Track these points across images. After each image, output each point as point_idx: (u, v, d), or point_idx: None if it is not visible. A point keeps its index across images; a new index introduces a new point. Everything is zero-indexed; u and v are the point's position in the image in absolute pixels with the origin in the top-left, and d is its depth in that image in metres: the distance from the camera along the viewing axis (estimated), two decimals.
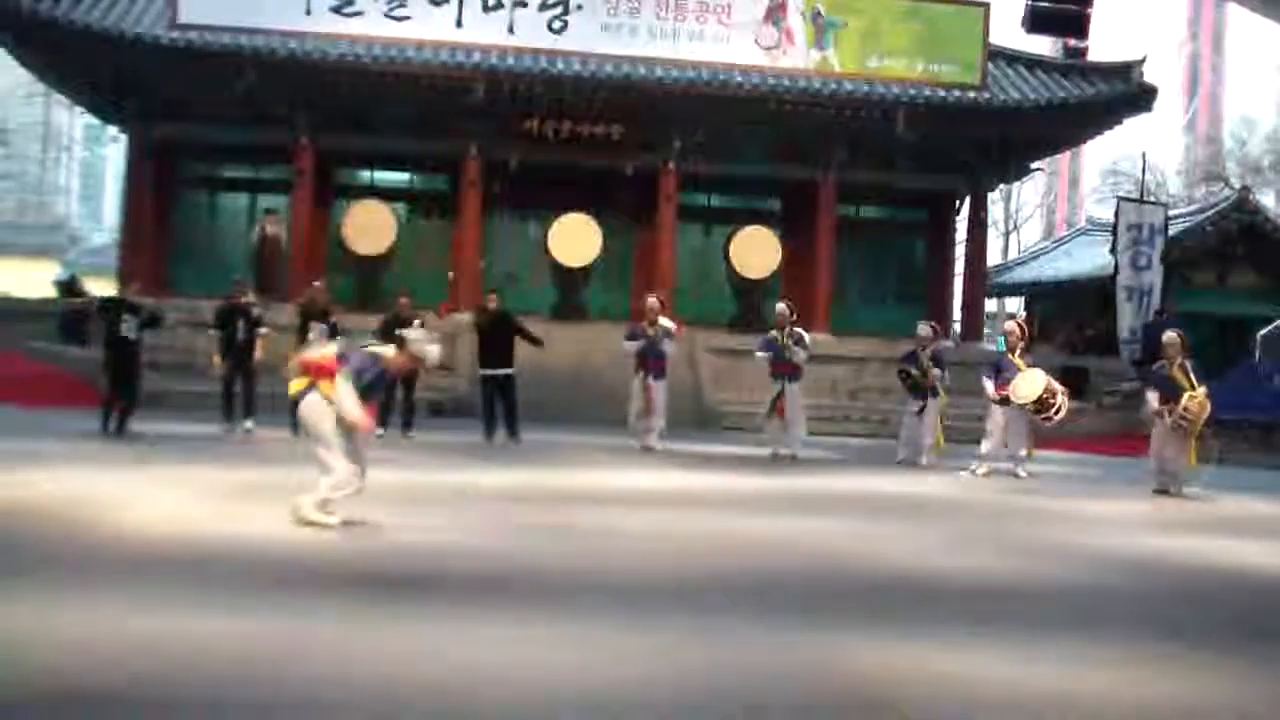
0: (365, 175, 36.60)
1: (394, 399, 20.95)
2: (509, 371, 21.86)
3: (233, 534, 10.44)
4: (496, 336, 21.98)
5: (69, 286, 35.51)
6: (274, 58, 31.27)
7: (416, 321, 21.10)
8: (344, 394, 10.78)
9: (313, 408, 11.13)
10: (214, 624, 7.36)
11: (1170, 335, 18.98)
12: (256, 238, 32.86)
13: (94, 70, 32.87)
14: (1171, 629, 8.83)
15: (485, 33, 32.49)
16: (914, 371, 21.35)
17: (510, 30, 32.61)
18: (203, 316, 27.74)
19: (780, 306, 21.90)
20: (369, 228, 33.78)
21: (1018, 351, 20.32)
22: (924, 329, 22.03)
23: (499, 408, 21.74)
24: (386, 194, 35.71)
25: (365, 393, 11.10)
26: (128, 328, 19.05)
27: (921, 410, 21.51)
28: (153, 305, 21.58)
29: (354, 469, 11.09)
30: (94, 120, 41.41)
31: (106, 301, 21.32)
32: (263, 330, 21.06)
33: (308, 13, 31.69)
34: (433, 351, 11.57)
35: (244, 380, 20.79)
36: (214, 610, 7.71)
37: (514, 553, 10.35)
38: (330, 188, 35.36)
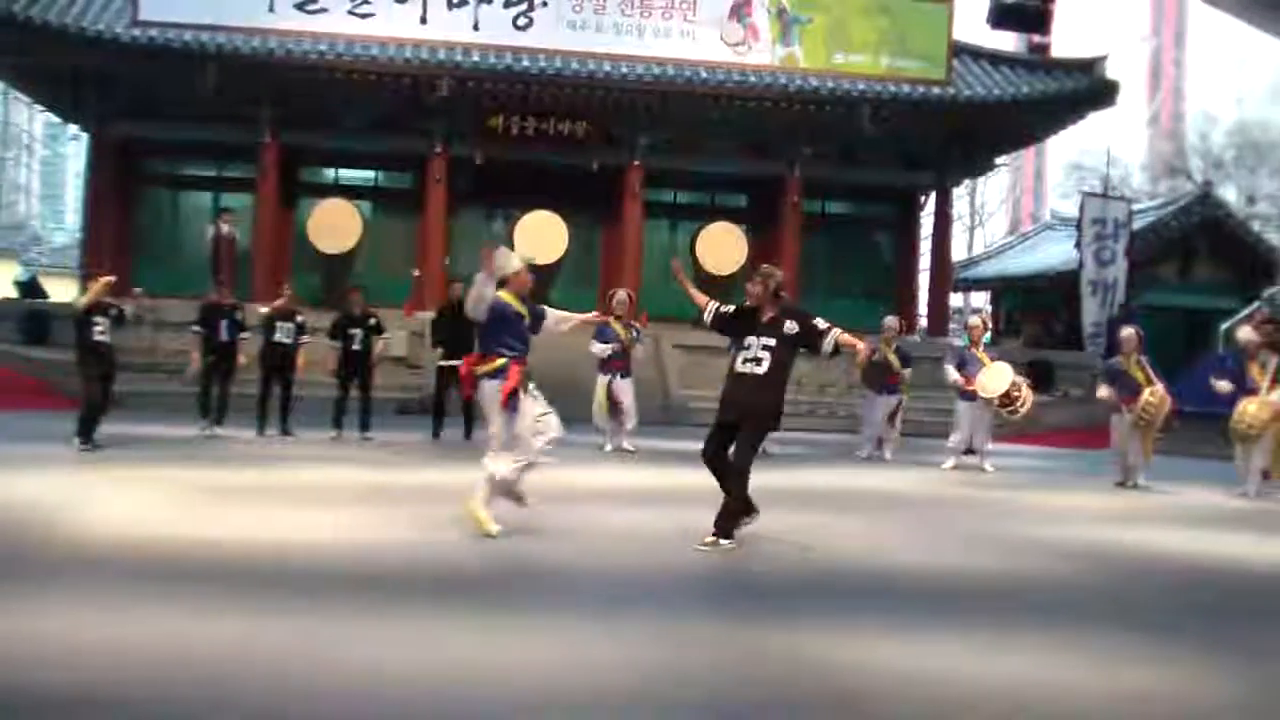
0: (329, 173, 36.46)
1: (348, 397, 20.92)
2: None
3: (200, 536, 10.37)
4: (457, 327, 21.62)
5: (29, 287, 35.20)
6: (237, 55, 31.17)
7: (372, 320, 21.07)
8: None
9: (486, 393, 11.24)
10: (179, 626, 7.33)
11: (1127, 331, 19.09)
12: (210, 237, 32.61)
13: (54, 68, 32.65)
14: (1136, 620, 8.88)
15: (450, 29, 32.45)
16: (882, 366, 21.33)
17: (475, 27, 32.58)
18: (166, 317, 27.72)
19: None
20: (333, 226, 33.73)
21: (980, 346, 20.38)
22: (890, 321, 22.04)
23: (452, 403, 21.46)
24: (351, 192, 35.61)
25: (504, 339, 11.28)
26: (100, 330, 18.74)
27: (898, 407, 21.56)
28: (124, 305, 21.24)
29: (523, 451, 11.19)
30: (54, 119, 41.10)
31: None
32: (305, 339, 20.95)
33: (271, 9, 31.65)
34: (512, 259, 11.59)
35: (221, 382, 20.47)
36: (179, 612, 7.66)
37: (483, 552, 10.31)
38: (294, 186, 35.21)
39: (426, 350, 24.23)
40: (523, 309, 11.48)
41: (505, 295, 11.40)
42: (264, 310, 21.65)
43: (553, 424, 11.48)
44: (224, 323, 20.52)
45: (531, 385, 11.39)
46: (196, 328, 20.67)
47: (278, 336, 20.63)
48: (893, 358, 21.48)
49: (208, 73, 31.00)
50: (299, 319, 20.97)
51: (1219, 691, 6.98)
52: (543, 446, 11.38)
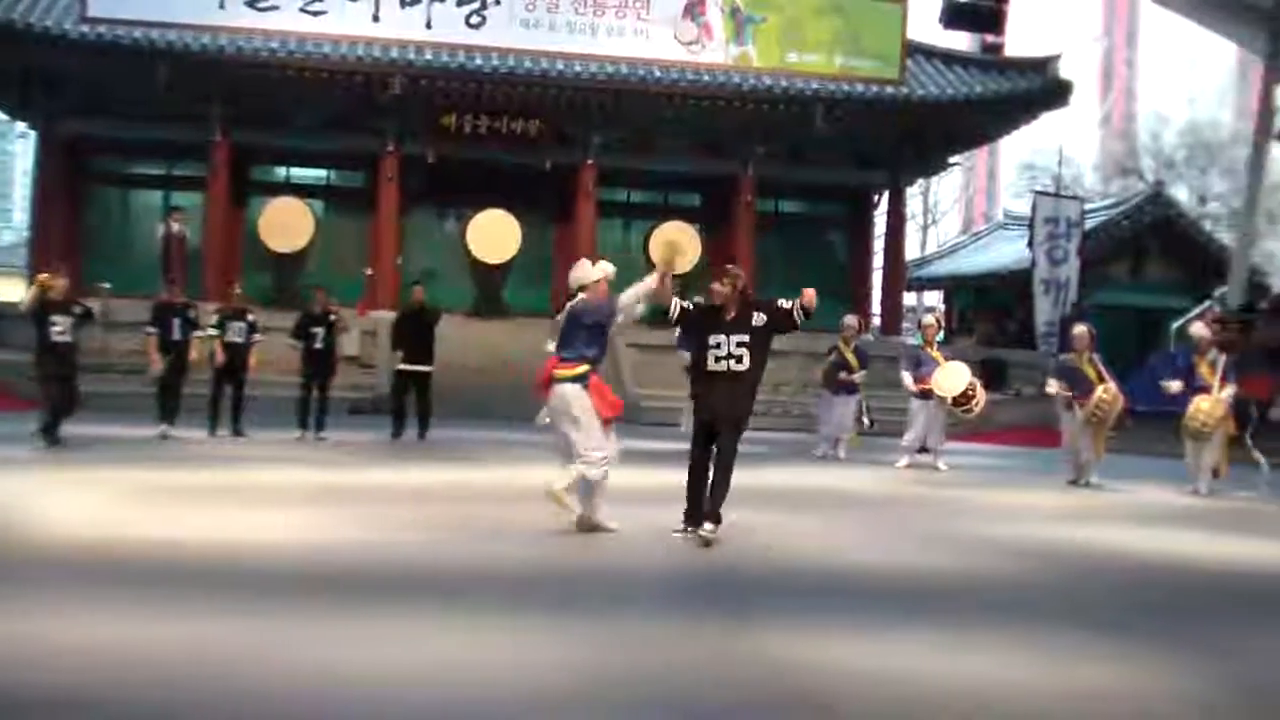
0: (281, 172, 36.31)
1: (325, 399, 20.76)
2: (428, 369, 21.41)
3: (153, 538, 10.29)
4: (419, 331, 21.52)
5: None
6: (187, 53, 31.00)
7: (333, 317, 20.94)
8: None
9: (567, 396, 11.24)
10: (132, 627, 7.25)
11: (1079, 329, 19.18)
12: (160, 236, 32.42)
13: (1, 64, 32.37)
14: (1090, 618, 8.88)
15: (402, 28, 32.36)
16: (838, 366, 21.32)
17: (428, 25, 32.48)
18: (117, 316, 27.49)
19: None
20: (285, 225, 33.60)
21: (934, 345, 20.42)
22: (849, 320, 22.03)
23: (411, 405, 21.30)
24: (303, 190, 35.49)
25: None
26: (59, 330, 18.50)
27: (859, 407, 21.56)
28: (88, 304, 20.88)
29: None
30: (2, 116, 40.82)
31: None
32: (257, 337, 20.78)
33: (221, 7, 31.50)
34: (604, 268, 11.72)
35: (175, 378, 20.20)
36: (132, 614, 7.59)
37: (440, 552, 10.27)
38: (246, 184, 35.06)
39: (379, 350, 24.11)
40: (600, 316, 11.47)
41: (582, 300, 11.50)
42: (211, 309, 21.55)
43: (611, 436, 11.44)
44: (176, 321, 20.27)
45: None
46: (150, 328, 20.32)
47: (229, 336, 20.42)
48: (851, 357, 21.47)
49: (158, 70, 30.80)
50: (250, 318, 20.82)
51: (1173, 688, 6.97)
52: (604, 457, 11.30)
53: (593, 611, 8.26)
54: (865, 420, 21.64)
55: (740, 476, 11.23)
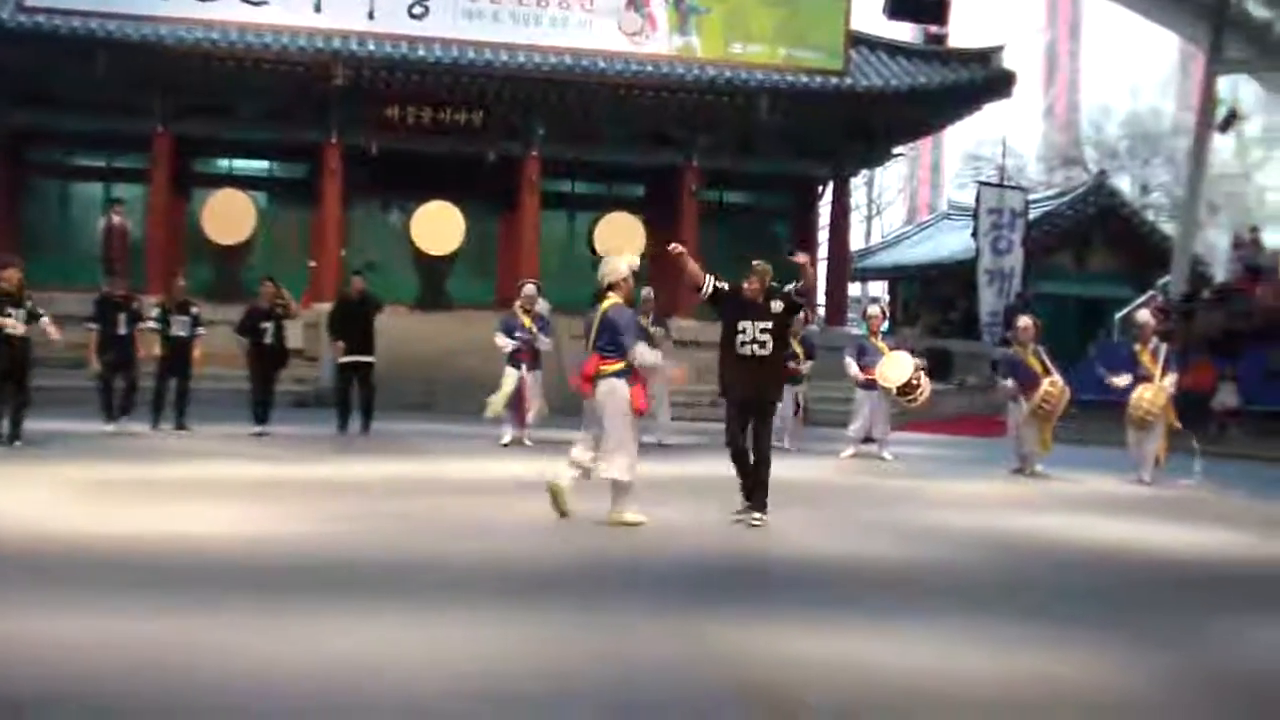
0: (223, 163, 36.07)
1: (270, 392, 20.60)
2: (370, 359, 21.17)
3: (92, 533, 10.22)
4: (358, 322, 21.25)
5: None
6: (127, 43, 30.72)
7: (279, 304, 20.72)
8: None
9: (614, 391, 11.62)
10: (65, 623, 7.19)
11: (1024, 320, 19.26)
12: (102, 229, 32.19)
13: None
14: (1032, 606, 8.93)
15: (345, 18, 32.20)
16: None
17: (370, 16, 32.31)
18: (58, 310, 27.19)
19: (646, 292, 21.73)
20: (227, 217, 33.39)
21: (879, 334, 20.47)
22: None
23: (355, 397, 21.09)
24: (245, 182, 35.26)
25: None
26: (12, 323, 18.34)
27: (798, 398, 21.55)
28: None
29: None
30: None
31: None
32: (201, 331, 20.58)
33: None
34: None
35: (124, 377, 19.81)
36: (84, 612, 7.52)
37: (391, 545, 10.25)
38: (188, 176, 34.77)
39: (323, 343, 23.94)
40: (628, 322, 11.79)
41: (614, 298, 11.81)
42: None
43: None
44: (121, 316, 19.87)
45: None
46: (91, 323, 19.90)
47: (173, 330, 20.17)
48: (797, 347, 21.47)
49: (98, 61, 30.50)
50: (194, 311, 20.59)
51: (1115, 676, 6.99)
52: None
53: (541, 604, 8.24)
54: (800, 408, 21.63)
55: (683, 468, 11.30)
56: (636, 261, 11.97)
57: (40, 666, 6.31)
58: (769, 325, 12.08)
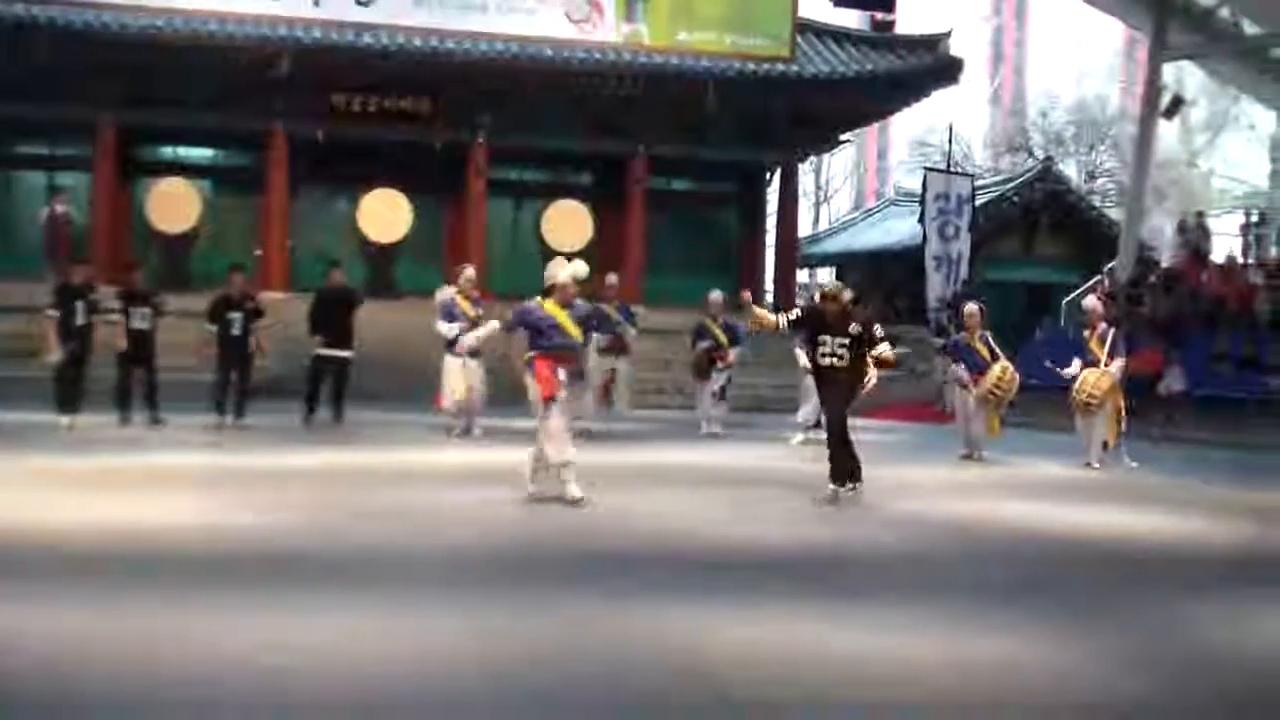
0: (168, 152, 35.71)
1: (230, 383, 20.13)
2: (349, 354, 20.99)
3: (42, 525, 10.20)
4: (338, 314, 20.98)
5: None
6: (70, 30, 30.41)
7: (250, 304, 20.46)
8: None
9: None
10: (31, 618, 7.16)
11: (970, 307, 19.38)
12: (45, 218, 31.95)
13: None
14: (980, 590, 9.02)
15: (291, 5, 31.96)
16: (709, 348, 21.32)
17: (316, 3, 32.10)
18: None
19: (611, 279, 21.70)
20: (173, 205, 33.16)
21: None
22: (715, 296, 21.93)
23: (325, 389, 20.89)
24: (190, 171, 34.94)
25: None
26: None
27: (725, 382, 21.59)
28: None
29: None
30: None
31: None
32: (264, 323, 20.42)
33: None
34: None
35: (76, 367, 19.43)
36: (31, 603, 7.50)
37: (346, 536, 10.29)
38: (132, 164, 34.44)
39: (269, 331, 23.68)
40: (562, 317, 12.37)
41: (548, 305, 12.42)
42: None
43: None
44: (80, 305, 19.49)
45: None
46: (51, 311, 19.44)
47: (134, 322, 19.84)
48: (719, 333, 21.47)
49: (39, 47, 30.21)
50: (155, 300, 20.29)
51: (1062, 660, 7.04)
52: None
53: (494, 593, 8.26)
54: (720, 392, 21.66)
55: (632, 456, 11.35)
56: (583, 272, 12.11)
57: None
58: (845, 341, 13.32)
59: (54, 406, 19.29)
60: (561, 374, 12.09)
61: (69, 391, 19.40)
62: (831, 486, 13.16)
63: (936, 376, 28.22)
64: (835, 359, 13.35)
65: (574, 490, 11.96)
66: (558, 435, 11.98)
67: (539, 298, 12.50)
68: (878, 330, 13.53)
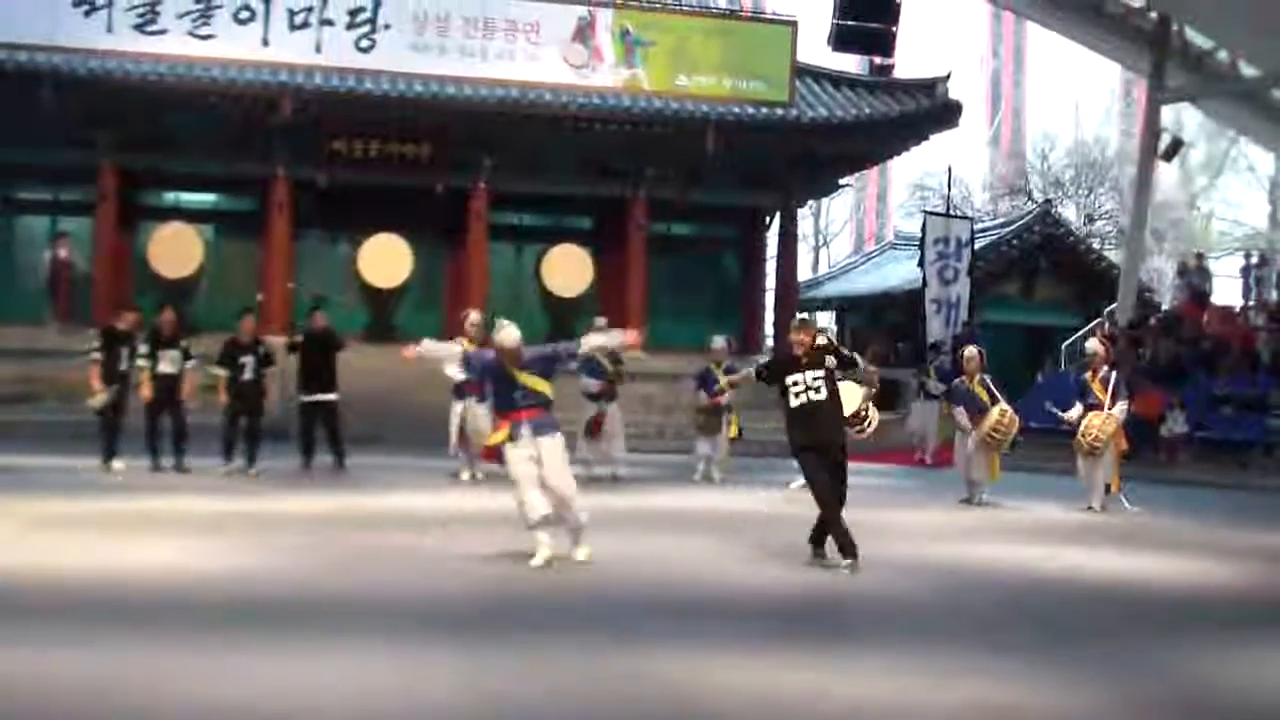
0: (170, 197, 35.82)
1: (238, 428, 19.96)
2: (333, 398, 20.90)
3: (54, 566, 10.24)
4: (322, 358, 20.89)
5: None
6: (73, 76, 30.52)
7: (262, 349, 20.37)
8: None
9: None
10: (22, 661, 7.16)
11: (970, 351, 19.38)
12: (48, 262, 32.06)
13: None
14: (978, 634, 9.01)
15: (292, 51, 32.06)
16: (713, 403, 21.27)
17: (317, 49, 32.21)
18: (3, 345, 27.04)
19: (599, 323, 21.72)
20: (175, 250, 33.19)
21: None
22: (719, 343, 21.86)
23: (318, 433, 20.82)
24: (192, 215, 34.98)
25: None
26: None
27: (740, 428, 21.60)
28: None
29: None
30: None
31: None
32: (192, 364, 20.03)
33: (109, 30, 31.02)
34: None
35: (119, 412, 19.58)
36: (23, 646, 7.51)
37: (332, 579, 10.31)
38: (135, 209, 34.51)
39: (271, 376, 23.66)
40: (512, 371, 11.84)
41: (504, 368, 11.94)
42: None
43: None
44: (123, 350, 19.63)
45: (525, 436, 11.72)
46: (96, 353, 19.65)
47: (162, 366, 19.68)
48: (724, 379, 21.45)
49: (43, 94, 30.33)
50: (184, 344, 20.08)
51: (1059, 705, 7.04)
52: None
53: (486, 639, 8.25)
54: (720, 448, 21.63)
55: (632, 500, 11.33)
56: (513, 338, 11.85)
57: None
58: (820, 374, 12.26)
59: (99, 451, 19.35)
60: (524, 428, 11.66)
61: (111, 436, 19.47)
62: (846, 561, 11.78)
63: (913, 421, 28.14)
64: (812, 392, 12.23)
65: (543, 553, 11.40)
66: (520, 484, 11.62)
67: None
68: (844, 350, 12.89)
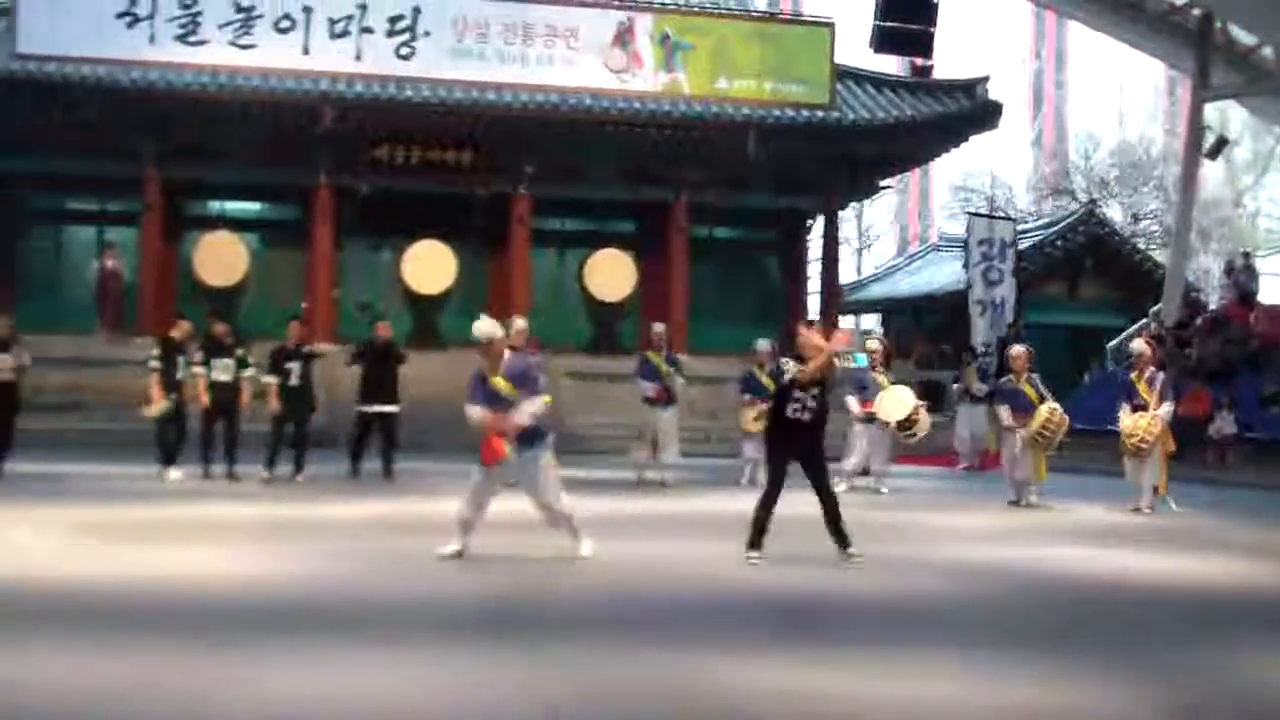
0: (215, 206, 36.00)
1: (282, 436, 19.97)
2: (394, 409, 20.81)
3: (96, 574, 10.29)
4: (385, 370, 20.81)
5: None
6: (118, 88, 30.74)
7: (306, 349, 20.43)
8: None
9: None
10: (66, 668, 7.22)
11: (1017, 349, 19.28)
12: (96, 272, 32.27)
13: None
14: (1026, 637, 8.95)
15: (333, 60, 32.19)
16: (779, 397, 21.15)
17: (357, 57, 32.32)
18: (50, 352, 27.16)
19: (658, 328, 21.73)
20: (219, 259, 33.35)
21: (880, 368, 20.42)
22: (763, 345, 21.76)
23: (373, 443, 20.70)
24: (237, 224, 35.17)
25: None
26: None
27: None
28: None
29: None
30: None
31: None
32: (248, 373, 20.16)
33: (152, 41, 31.21)
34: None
35: (177, 419, 19.69)
36: (67, 653, 7.58)
37: (378, 583, 10.33)
38: (179, 219, 34.73)
39: (318, 383, 23.62)
40: (494, 378, 11.77)
41: (483, 366, 11.87)
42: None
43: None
44: (180, 359, 19.78)
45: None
46: (155, 362, 19.73)
47: (216, 374, 19.79)
48: (768, 382, 21.34)
49: (89, 106, 30.57)
50: (239, 353, 20.17)
51: (1107, 708, 6.99)
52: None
53: (543, 639, 8.25)
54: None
55: (680, 505, 11.31)
56: (484, 330, 11.78)
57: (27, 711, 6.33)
58: (816, 391, 12.18)
59: (158, 459, 19.52)
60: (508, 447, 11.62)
61: (171, 445, 19.64)
62: (848, 551, 12.17)
63: (960, 428, 27.85)
64: (806, 412, 12.24)
65: (454, 545, 11.60)
66: (470, 495, 11.78)
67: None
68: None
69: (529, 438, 11.65)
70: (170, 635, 8.12)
